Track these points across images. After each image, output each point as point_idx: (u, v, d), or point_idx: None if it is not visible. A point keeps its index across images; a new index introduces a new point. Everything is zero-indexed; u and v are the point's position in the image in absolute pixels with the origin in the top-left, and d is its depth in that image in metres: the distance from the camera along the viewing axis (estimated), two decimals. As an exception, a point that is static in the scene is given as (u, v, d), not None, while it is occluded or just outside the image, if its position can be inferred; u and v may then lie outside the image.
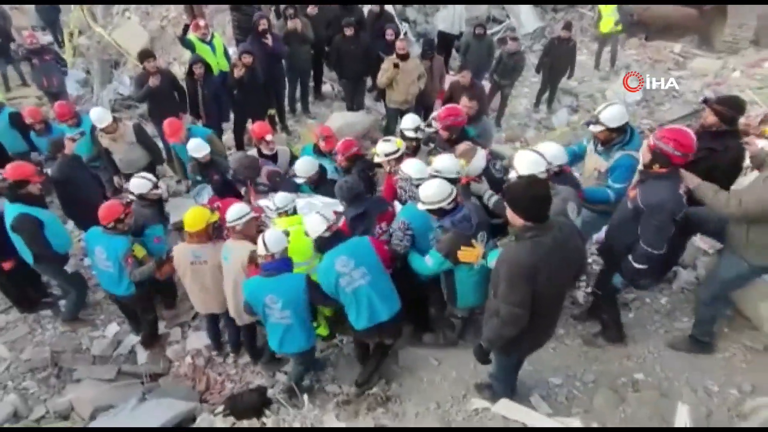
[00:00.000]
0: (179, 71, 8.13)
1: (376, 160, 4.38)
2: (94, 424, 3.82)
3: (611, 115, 3.48)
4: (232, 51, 7.42)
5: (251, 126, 6.11)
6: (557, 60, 8.42)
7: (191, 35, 6.42)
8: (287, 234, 3.49)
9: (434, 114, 4.60)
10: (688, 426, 2.76)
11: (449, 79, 7.19)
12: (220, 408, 3.85)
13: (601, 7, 9.67)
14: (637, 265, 3.16)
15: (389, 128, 7.12)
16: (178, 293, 4.93)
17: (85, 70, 9.85)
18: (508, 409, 2.89)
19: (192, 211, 3.88)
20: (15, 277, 4.58)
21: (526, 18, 11.34)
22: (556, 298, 2.72)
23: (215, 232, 3.96)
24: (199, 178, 5.12)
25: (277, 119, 7.28)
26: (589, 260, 4.42)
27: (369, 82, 7.83)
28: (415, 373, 3.77)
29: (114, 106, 8.45)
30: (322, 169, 4.69)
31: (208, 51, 6.42)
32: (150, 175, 4.56)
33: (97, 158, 5.60)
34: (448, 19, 8.97)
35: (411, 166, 3.80)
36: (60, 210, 5.17)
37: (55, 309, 4.94)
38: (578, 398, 3.39)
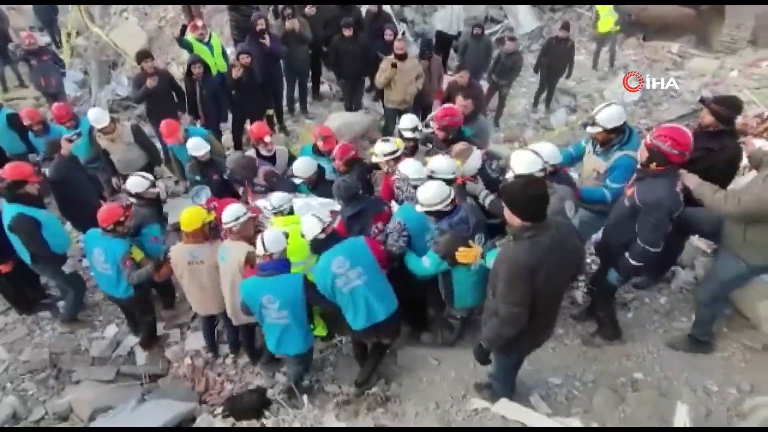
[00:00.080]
0: (177, 72, 8.12)
1: (375, 160, 4.37)
2: (93, 426, 3.82)
3: (608, 116, 3.46)
4: (230, 51, 7.38)
5: (249, 126, 6.10)
6: (555, 60, 8.41)
7: (189, 36, 6.41)
8: (286, 235, 3.49)
9: (431, 114, 4.60)
10: (687, 426, 2.76)
11: (447, 79, 7.19)
12: (220, 409, 3.85)
13: (599, 7, 9.68)
14: (634, 263, 3.18)
15: (387, 128, 7.11)
16: (177, 294, 4.92)
17: (83, 70, 9.81)
18: (507, 409, 2.89)
19: (188, 211, 3.86)
20: (13, 278, 4.57)
21: (524, 18, 11.33)
22: (555, 297, 2.74)
23: (212, 232, 3.95)
24: (197, 178, 5.10)
25: (275, 120, 7.26)
26: (588, 260, 4.42)
27: (367, 82, 7.82)
28: (415, 373, 3.77)
29: (112, 107, 8.42)
30: (320, 170, 4.68)
31: (206, 51, 6.41)
32: (147, 174, 4.55)
33: (95, 159, 5.59)
34: (446, 19, 8.96)
35: (408, 167, 3.78)
36: (57, 211, 5.15)
37: (53, 310, 4.93)
38: (578, 398, 3.40)
